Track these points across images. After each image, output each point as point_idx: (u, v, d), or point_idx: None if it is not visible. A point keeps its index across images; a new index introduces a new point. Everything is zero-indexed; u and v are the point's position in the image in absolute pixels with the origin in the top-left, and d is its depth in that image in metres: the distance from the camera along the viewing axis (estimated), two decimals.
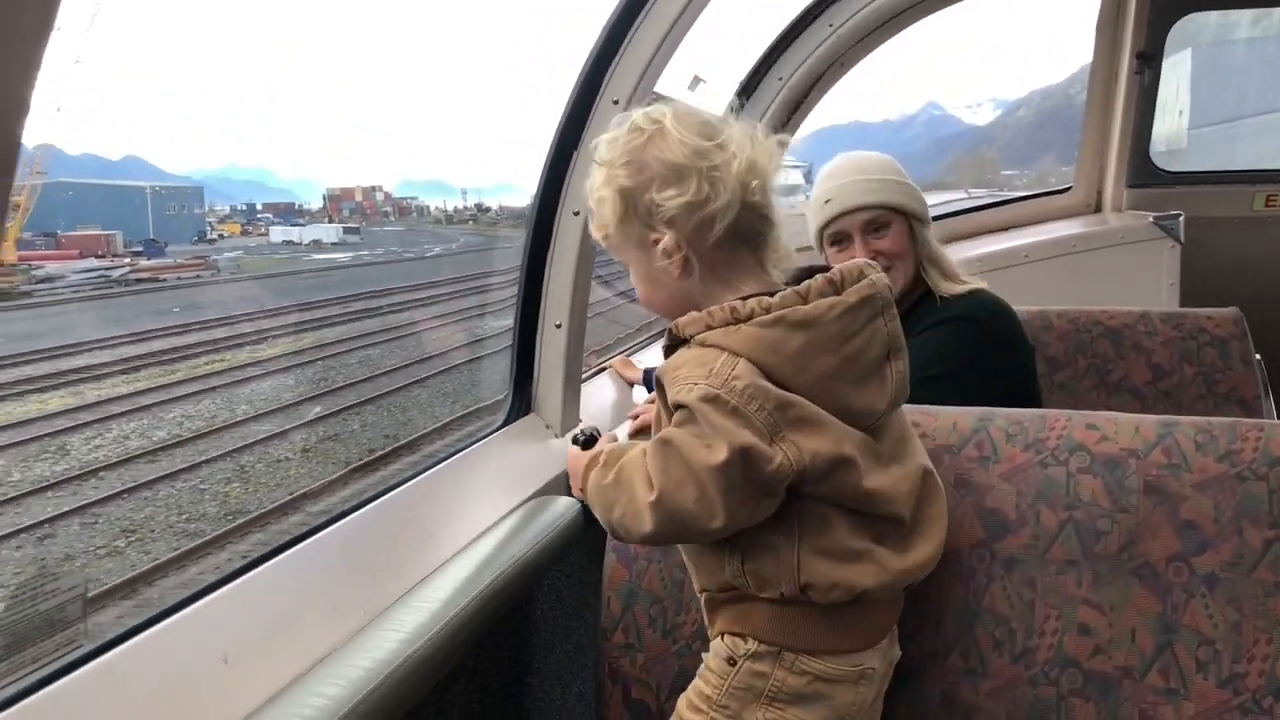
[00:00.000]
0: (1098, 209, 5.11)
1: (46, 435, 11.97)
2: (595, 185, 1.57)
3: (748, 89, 4.06)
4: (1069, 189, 5.19)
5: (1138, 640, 1.63)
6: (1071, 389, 3.10)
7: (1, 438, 11.78)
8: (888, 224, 2.47)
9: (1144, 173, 4.98)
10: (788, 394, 1.42)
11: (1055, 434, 1.77)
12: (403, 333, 18.94)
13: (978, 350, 2.42)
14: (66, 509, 9.35)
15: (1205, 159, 5.40)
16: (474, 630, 1.62)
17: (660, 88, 2.92)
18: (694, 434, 1.41)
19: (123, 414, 13.14)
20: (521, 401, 2.47)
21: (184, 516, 9.52)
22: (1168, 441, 1.71)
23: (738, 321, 1.45)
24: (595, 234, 1.62)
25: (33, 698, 1.11)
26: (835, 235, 2.51)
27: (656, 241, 1.52)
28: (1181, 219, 4.34)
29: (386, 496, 1.90)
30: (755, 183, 1.51)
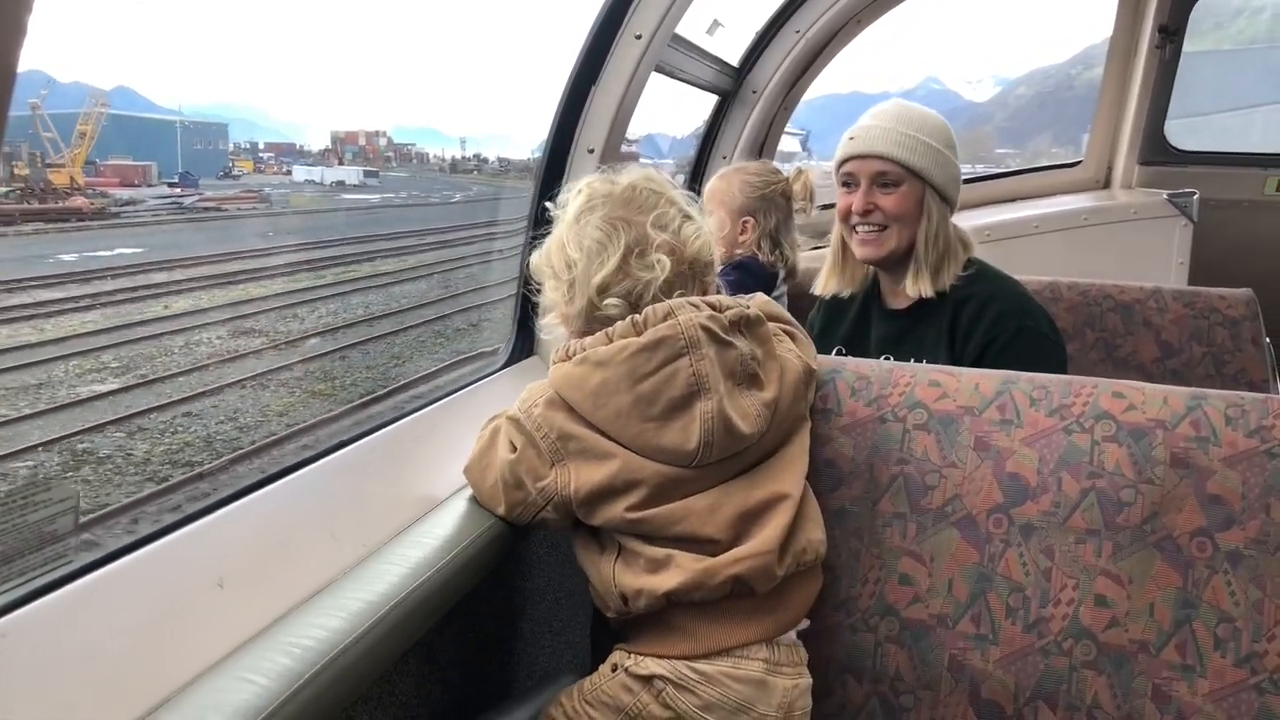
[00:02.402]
0: (1106, 184, 5.04)
1: (287, 306, 17.52)
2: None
3: (764, 39, 3.97)
4: (1079, 163, 5.12)
5: (1156, 614, 1.59)
6: (1079, 362, 3.06)
7: (266, 305, 17.63)
8: (899, 183, 2.35)
9: (1157, 150, 4.91)
10: (574, 427, 1.56)
11: (1081, 400, 1.72)
12: (486, 259, 23.72)
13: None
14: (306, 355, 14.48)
15: (1219, 141, 5.32)
16: (470, 573, 1.57)
17: (680, 29, 2.85)
18: (505, 435, 1.65)
19: (315, 300, 18.44)
20: (524, 342, 2.41)
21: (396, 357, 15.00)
22: (1197, 414, 1.66)
23: (568, 358, 1.60)
24: None
25: (16, 613, 1.05)
26: (846, 175, 2.41)
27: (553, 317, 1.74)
28: (1196, 198, 4.29)
29: (387, 430, 1.85)
30: (610, 300, 1.63)
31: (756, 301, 1.79)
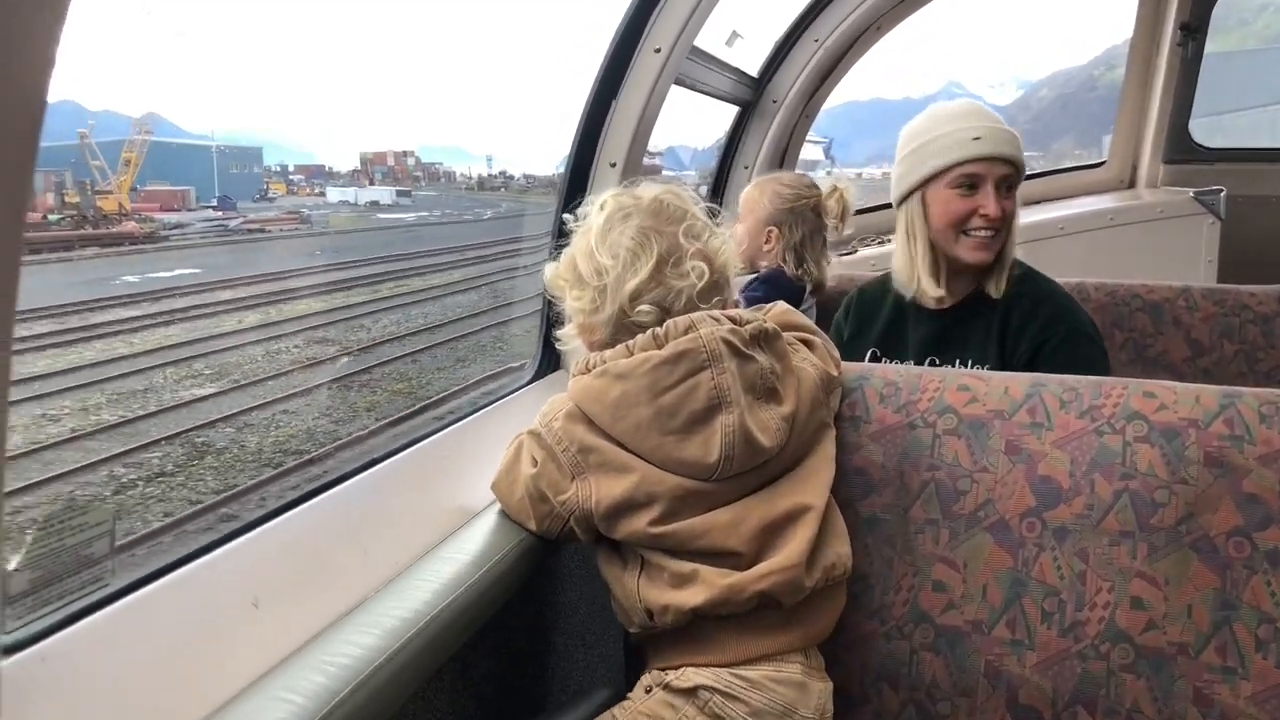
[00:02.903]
0: (1132, 184, 5.01)
1: (353, 318, 19.07)
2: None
3: (783, 49, 3.98)
4: (1103, 163, 5.09)
5: (1194, 616, 1.57)
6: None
7: (332, 317, 19.03)
8: (1014, 187, 2.32)
9: (1182, 148, 4.87)
10: (594, 439, 1.56)
11: (1111, 401, 1.70)
12: (530, 272, 23.76)
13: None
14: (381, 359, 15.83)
15: (1246, 138, 5.27)
16: (502, 588, 1.57)
17: (699, 41, 2.86)
18: (528, 449, 1.66)
19: (376, 312, 19.93)
20: (550, 357, 2.42)
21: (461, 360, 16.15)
22: (1230, 412, 1.64)
23: (587, 370, 1.60)
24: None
25: (55, 636, 1.06)
26: (971, 177, 2.29)
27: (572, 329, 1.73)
28: (1223, 195, 4.25)
29: (416, 447, 1.86)
30: (643, 307, 1.62)
31: (776, 310, 1.79)
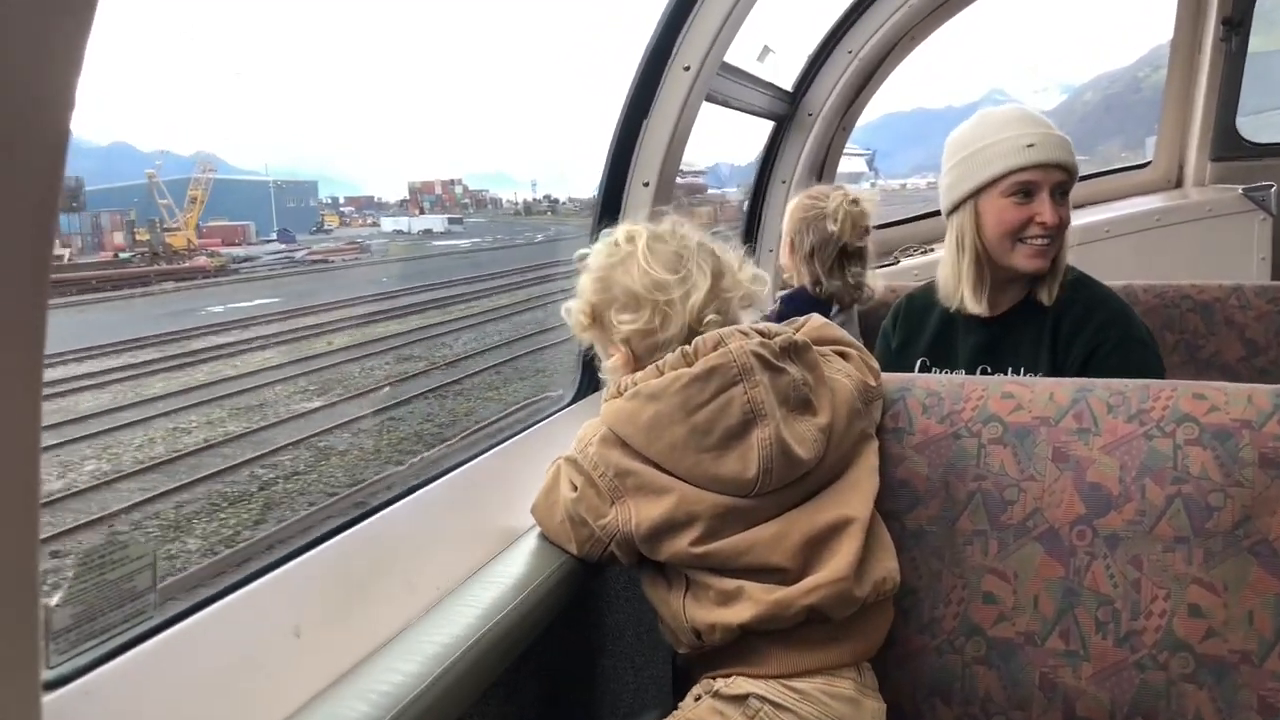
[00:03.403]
0: (1179, 184, 4.92)
1: (434, 337, 21.05)
2: (578, 289, 1.73)
3: (817, 61, 3.96)
4: (1148, 164, 5.01)
5: (1255, 623, 1.52)
6: None
7: (412, 337, 21.01)
8: (1068, 193, 2.26)
9: (1230, 145, 4.77)
10: (631, 462, 1.56)
11: (1160, 404, 1.67)
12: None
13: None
14: (468, 372, 17.46)
15: None
16: (544, 611, 1.57)
17: (730, 57, 2.85)
18: (566, 474, 1.65)
19: (454, 331, 21.71)
20: (590, 378, 2.41)
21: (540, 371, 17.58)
22: None
23: (619, 394, 1.59)
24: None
25: (100, 669, 1.07)
26: (1027, 185, 2.22)
27: (610, 354, 1.70)
28: (1274, 190, 4.16)
29: (458, 471, 1.86)
30: (711, 317, 1.63)
31: (811, 324, 1.77)
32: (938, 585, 1.71)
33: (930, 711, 1.70)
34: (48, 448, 11.73)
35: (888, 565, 1.61)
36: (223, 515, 11.15)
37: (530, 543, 1.72)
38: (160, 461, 12.66)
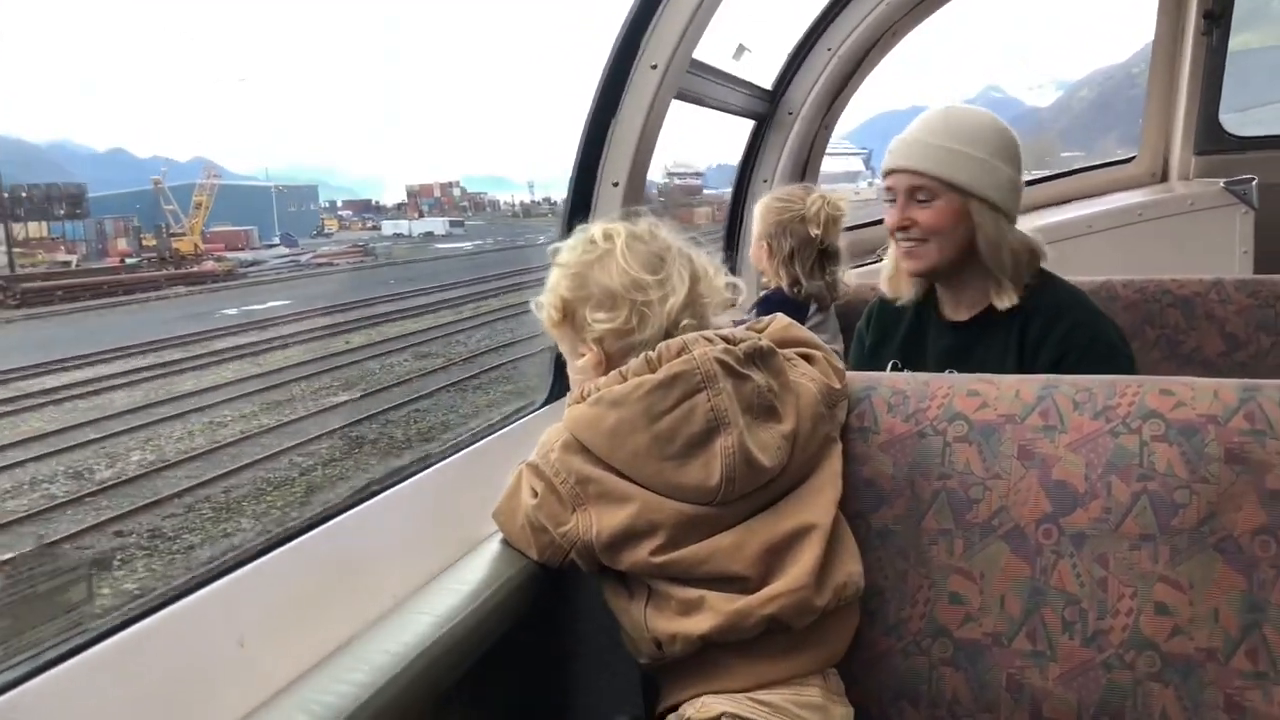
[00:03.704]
0: (1164, 178, 4.90)
1: (448, 335, 22.38)
2: (550, 283, 1.70)
3: (796, 59, 3.94)
4: (1133, 159, 4.99)
5: (1221, 620, 1.51)
6: (1141, 361, 2.93)
7: (428, 336, 22.25)
8: (934, 197, 2.23)
9: (1213, 139, 4.75)
10: (593, 469, 1.53)
11: (1126, 401, 1.65)
12: None
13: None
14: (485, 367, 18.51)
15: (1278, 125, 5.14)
16: (501, 618, 1.55)
17: (705, 56, 2.84)
18: (528, 480, 1.62)
19: (467, 330, 23.12)
20: (561, 381, 2.39)
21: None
22: (1250, 406, 1.58)
23: (583, 399, 1.57)
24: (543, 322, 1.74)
25: (26, 685, 1.05)
26: (890, 188, 2.30)
27: (583, 354, 1.67)
28: (1255, 183, 4.14)
29: (421, 475, 1.84)
30: (687, 321, 1.62)
31: (775, 325, 1.76)
32: (904, 586, 1.69)
33: (898, 715, 1.68)
34: (92, 441, 14.37)
35: (849, 570, 1.58)
36: (269, 498, 12.02)
37: (492, 548, 1.70)
38: (203, 451, 13.68)
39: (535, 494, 1.59)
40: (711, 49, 3.07)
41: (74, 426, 15.26)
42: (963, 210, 2.23)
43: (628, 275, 1.61)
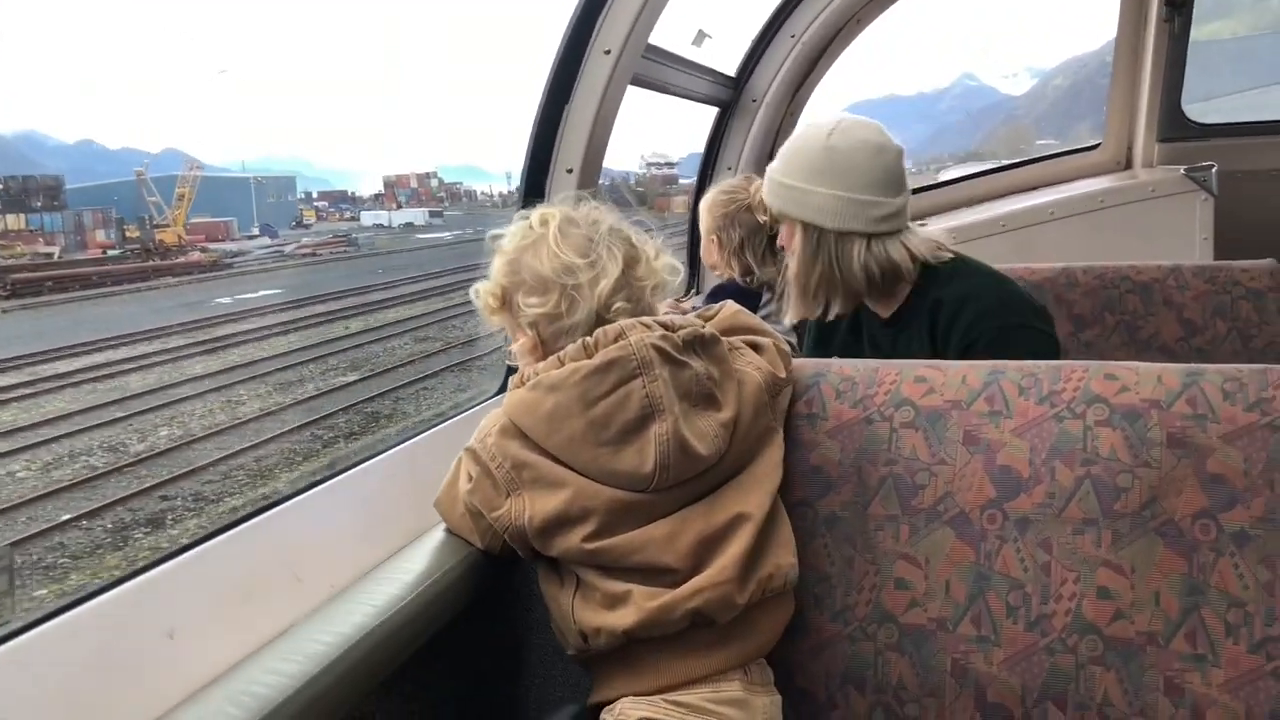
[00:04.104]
0: (1128, 165, 4.92)
1: (443, 320, 22.90)
2: (491, 269, 1.70)
3: (760, 46, 3.93)
4: (1098, 146, 5.02)
5: (1162, 603, 1.51)
6: (1099, 347, 2.97)
7: (423, 321, 23.06)
8: (780, 221, 2.36)
9: (1176, 126, 4.78)
10: (528, 454, 1.52)
11: (1071, 386, 1.65)
12: None
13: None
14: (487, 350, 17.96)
15: (1241, 113, 5.18)
16: (443, 606, 1.53)
17: (663, 41, 2.82)
18: (465, 466, 1.61)
19: (459, 316, 23.08)
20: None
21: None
22: (1193, 391, 1.58)
23: (523, 383, 1.57)
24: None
25: None
26: None
27: (517, 338, 1.68)
28: (1214, 170, 4.16)
29: (365, 465, 1.82)
30: (620, 305, 1.60)
31: (724, 313, 1.75)
32: (850, 572, 1.69)
33: (844, 700, 1.68)
34: (119, 419, 15.30)
35: (779, 562, 1.58)
36: (301, 466, 12.81)
37: (436, 537, 1.69)
38: (227, 427, 14.60)
39: (470, 478, 1.59)
40: (674, 35, 3.06)
41: (99, 406, 16.14)
42: (792, 234, 2.31)
43: (558, 260, 1.60)
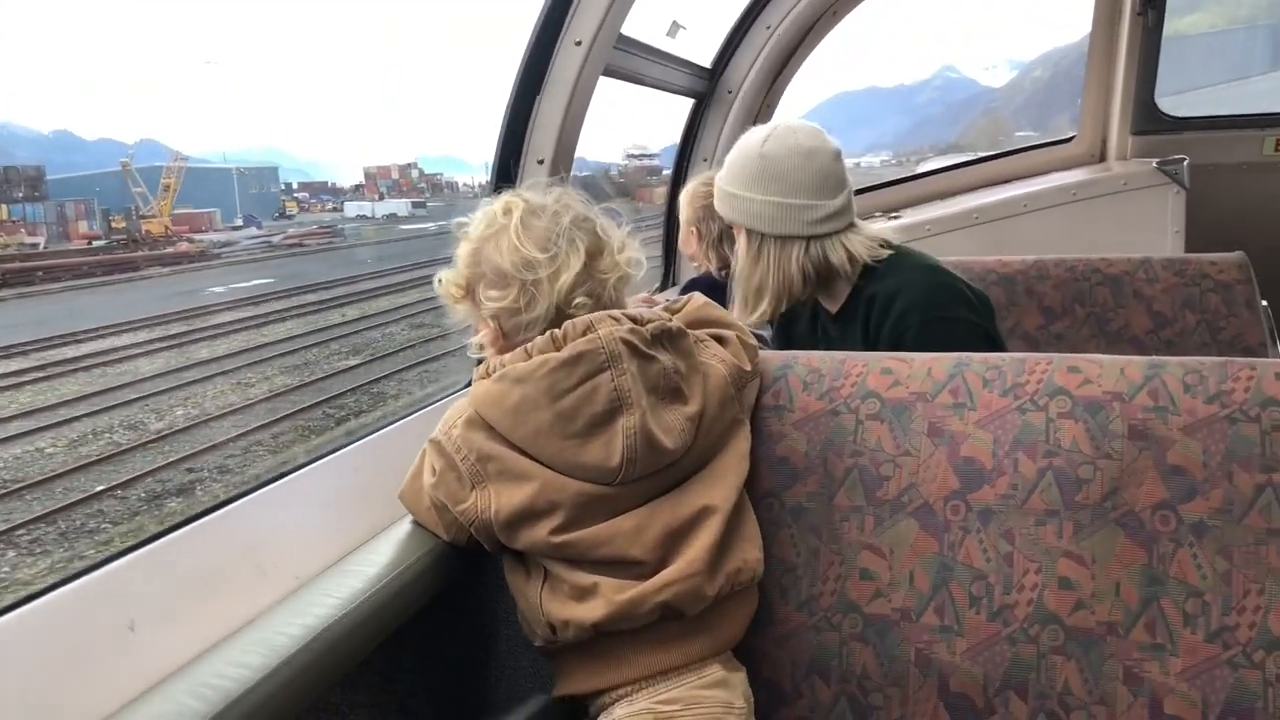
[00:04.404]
0: (1102, 158, 4.95)
1: (436, 308, 21.25)
2: (456, 257, 1.69)
3: (735, 38, 3.93)
4: (1072, 138, 5.04)
5: (1122, 594, 1.53)
6: (1070, 339, 2.99)
7: (417, 309, 22.88)
8: (732, 225, 2.40)
9: (1149, 119, 4.81)
10: (494, 447, 1.51)
11: (1035, 378, 1.66)
12: None
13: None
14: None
15: (1214, 106, 5.22)
16: (410, 598, 1.53)
17: (636, 32, 2.82)
18: (430, 458, 1.60)
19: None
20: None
21: None
22: (1154, 383, 1.60)
23: (489, 375, 1.55)
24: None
25: None
26: None
27: (480, 329, 1.67)
28: (1186, 163, 4.19)
29: (331, 457, 1.82)
30: (580, 299, 1.58)
31: (690, 305, 1.75)
32: (815, 562, 1.70)
33: (809, 689, 1.69)
34: (135, 400, 15.68)
35: (745, 556, 1.58)
36: (316, 442, 13.23)
37: (403, 529, 1.68)
38: (240, 406, 14.99)
39: (435, 472, 1.58)
40: (648, 27, 3.06)
41: (114, 388, 16.52)
42: (745, 239, 2.35)
43: (518, 254, 1.58)
